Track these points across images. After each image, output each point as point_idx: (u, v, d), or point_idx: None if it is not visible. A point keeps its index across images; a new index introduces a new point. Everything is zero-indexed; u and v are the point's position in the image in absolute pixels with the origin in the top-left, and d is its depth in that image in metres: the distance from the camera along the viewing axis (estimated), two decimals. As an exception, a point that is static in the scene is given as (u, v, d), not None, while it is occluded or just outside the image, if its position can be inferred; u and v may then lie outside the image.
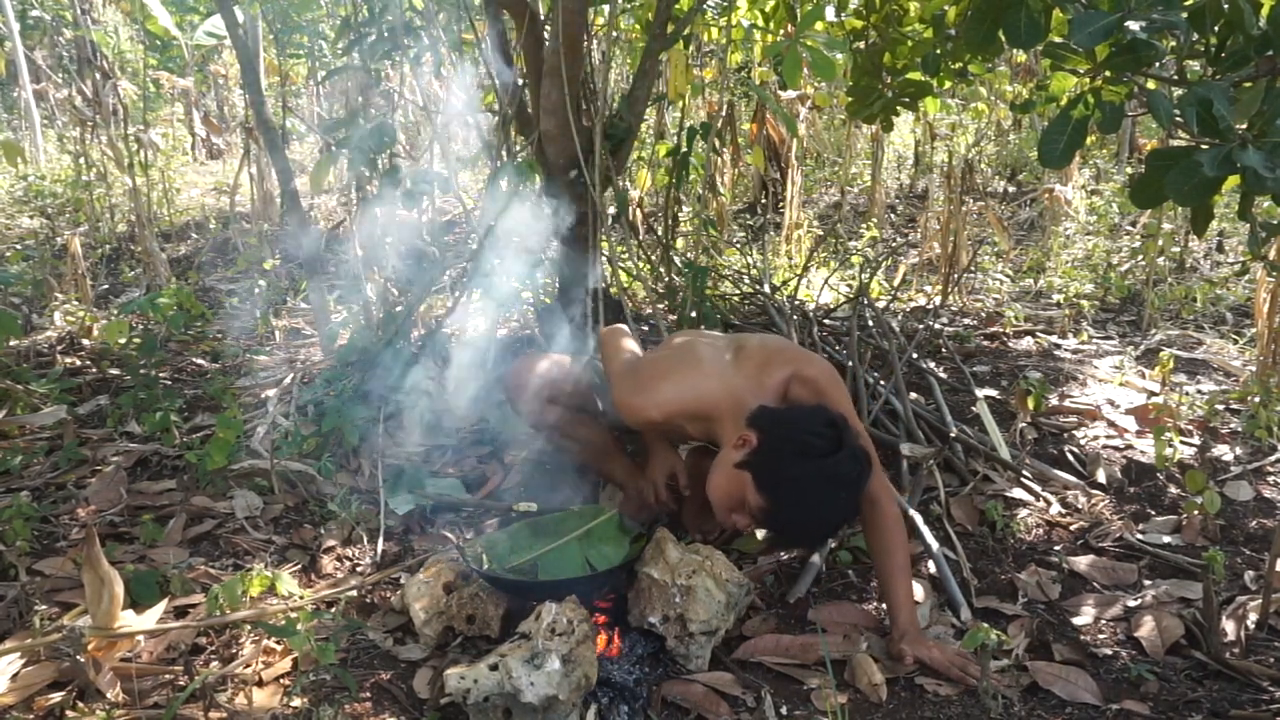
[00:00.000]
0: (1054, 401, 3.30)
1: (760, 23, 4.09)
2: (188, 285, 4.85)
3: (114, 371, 3.59)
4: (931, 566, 2.28)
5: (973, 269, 5.21)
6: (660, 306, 4.05)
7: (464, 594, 2.05)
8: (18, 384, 3.14)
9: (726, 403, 2.04)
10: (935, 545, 2.29)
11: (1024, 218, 6.84)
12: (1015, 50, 3.49)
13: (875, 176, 6.74)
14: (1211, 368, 3.78)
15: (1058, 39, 2.08)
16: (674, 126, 5.26)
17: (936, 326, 4.30)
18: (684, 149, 3.88)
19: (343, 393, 2.97)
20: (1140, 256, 4.91)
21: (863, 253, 5.75)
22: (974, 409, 3.10)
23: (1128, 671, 1.91)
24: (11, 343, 3.58)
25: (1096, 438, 3.04)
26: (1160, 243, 4.45)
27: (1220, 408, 3.16)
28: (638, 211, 4.58)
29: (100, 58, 5.44)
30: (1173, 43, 1.85)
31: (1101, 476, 2.78)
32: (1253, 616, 2.07)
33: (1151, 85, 1.95)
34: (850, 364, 3.28)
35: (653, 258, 4.35)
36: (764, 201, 6.72)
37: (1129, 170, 6.47)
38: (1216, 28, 1.80)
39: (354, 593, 2.18)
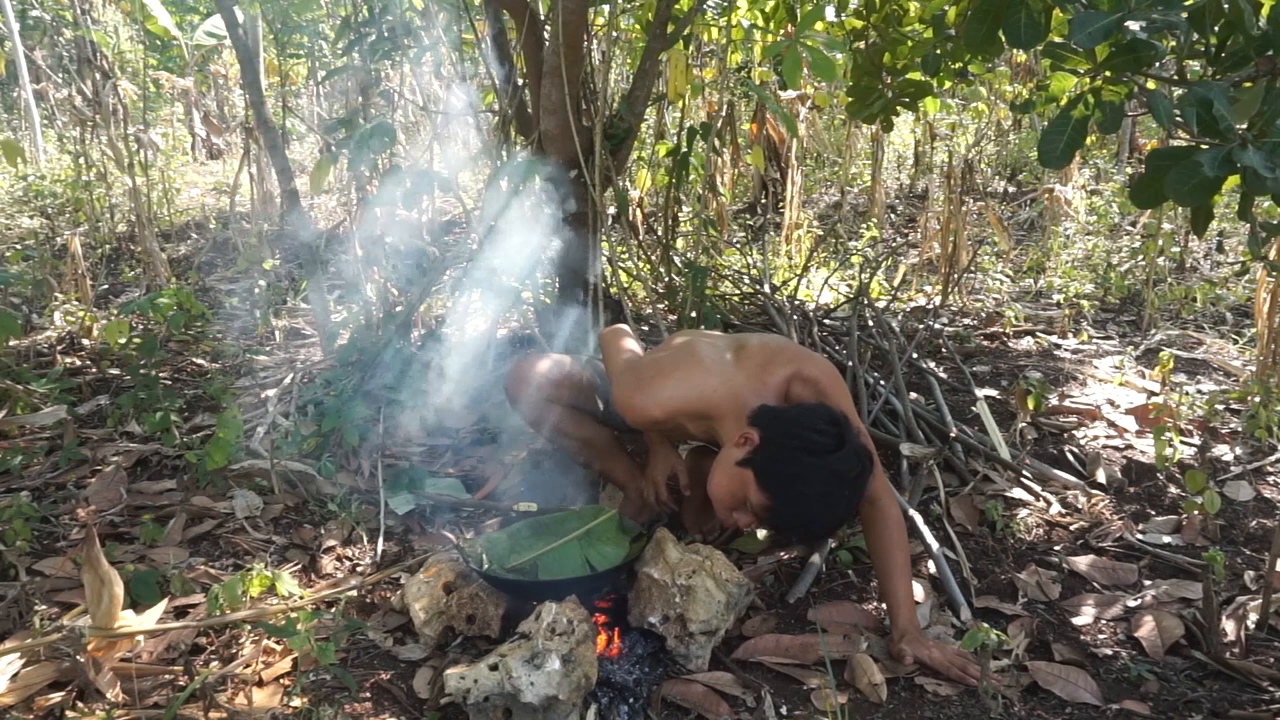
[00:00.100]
0: (1054, 401, 3.30)
1: (760, 23, 4.09)
2: (188, 285, 4.85)
3: (114, 371, 3.59)
4: (931, 566, 2.28)
5: (973, 269, 5.21)
6: (660, 306, 4.05)
7: (464, 594, 2.05)
8: (18, 384, 3.14)
9: (728, 401, 2.04)
10: (935, 545, 2.29)
11: (1024, 218, 6.85)
12: (1015, 50, 3.49)
13: (875, 176, 6.75)
14: (1211, 368, 3.78)
15: (1058, 39, 2.08)
16: (674, 126, 5.26)
17: (936, 326, 4.30)
18: (684, 149, 3.88)
19: (343, 393, 2.97)
20: (1140, 256, 4.92)
21: (863, 253, 5.75)
22: (974, 409, 3.10)
23: (1128, 671, 1.91)
24: (11, 343, 3.58)
25: (1096, 438, 3.04)
26: (1160, 243, 4.46)
27: (1220, 408, 3.16)
28: (638, 211, 4.58)
29: (100, 58, 5.44)
30: (1173, 43, 1.85)
31: (1101, 476, 2.78)
32: (1253, 616, 2.07)
33: (1151, 85, 1.95)
34: (850, 364, 3.28)
35: (653, 258, 4.35)
36: (764, 201, 6.73)
37: (1129, 170, 6.47)
38: (1216, 28, 1.80)
39: (354, 593, 2.18)
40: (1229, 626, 2.04)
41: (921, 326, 4.12)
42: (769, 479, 1.86)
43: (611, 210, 3.38)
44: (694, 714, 1.81)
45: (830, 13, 3.14)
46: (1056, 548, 2.45)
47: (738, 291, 4.47)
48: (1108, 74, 1.83)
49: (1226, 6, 1.72)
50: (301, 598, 2.12)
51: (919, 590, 2.17)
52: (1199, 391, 3.43)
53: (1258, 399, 3.03)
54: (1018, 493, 2.69)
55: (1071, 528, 2.54)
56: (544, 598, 1.83)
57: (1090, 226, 5.51)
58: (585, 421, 2.48)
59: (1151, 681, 1.87)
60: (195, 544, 2.41)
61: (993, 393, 3.45)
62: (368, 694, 1.84)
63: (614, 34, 3.91)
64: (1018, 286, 5.23)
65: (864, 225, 6.23)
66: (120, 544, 2.35)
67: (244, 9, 4.62)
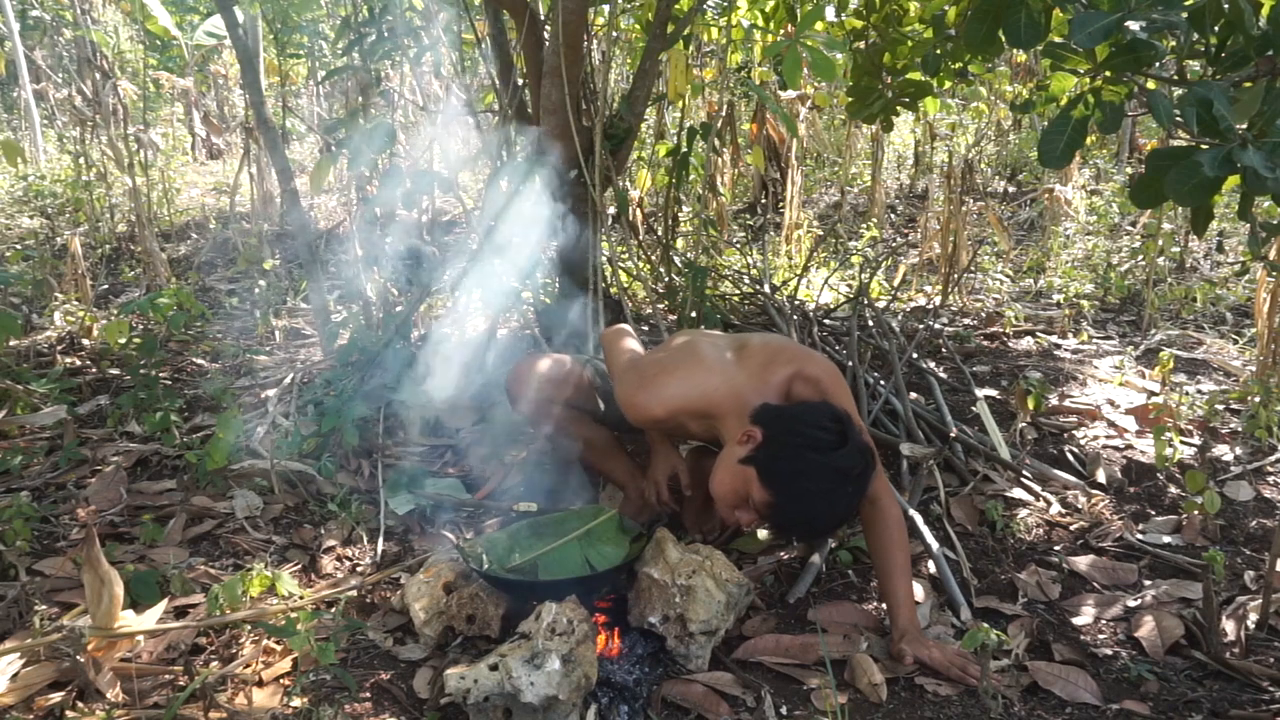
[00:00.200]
0: (1054, 401, 3.30)
1: (760, 23, 4.09)
2: (188, 285, 4.85)
3: (114, 371, 3.59)
4: (931, 566, 2.28)
5: (973, 269, 5.21)
6: (660, 306, 4.05)
7: (464, 594, 2.05)
8: (18, 384, 3.14)
9: (730, 400, 2.04)
10: (935, 545, 2.29)
11: (1024, 218, 6.85)
12: (1015, 50, 3.49)
13: (875, 176, 6.75)
14: (1211, 368, 3.78)
15: (1058, 39, 2.08)
16: (674, 126, 5.26)
17: (936, 326, 4.30)
18: (684, 149, 3.88)
19: (343, 393, 2.97)
20: (1140, 256, 4.92)
21: (863, 253, 5.75)
22: (974, 409, 3.10)
23: (1128, 671, 1.91)
24: (11, 343, 3.58)
25: (1096, 438, 3.04)
26: (1160, 243, 4.46)
27: (1220, 408, 3.16)
28: (638, 211, 4.58)
29: (100, 58, 5.44)
30: (1173, 43, 1.85)
31: (1101, 476, 2.78)
32: (1253, 616, 2.07)
33: (1151, 85, 1.95)
34: (850, 364, 3.28)
35: (653, 258, 4.35)
36: (764, 201, 6.73)
37: (1129, 170, 6.47)
38: (1216, 28, 1.80)
39: (354, 593, 2.18)
40: (1229, 626, 2.04)
41: (921, 326, 4.12)
42: (772, 476, 1.86)
43: (611, 210, 3.38)
44: (694, 714, 1.81)
45: (830, 13, 3.14)
46: (1056, 548, 2.45)
47: (738, 291, 4.47)
48: (1108, 74, 1.83)
49: (1226, 6, 1.72)
50: (301, 598, 2.12)
51: (919, 590, 2.17)
52: (1199, 391, 3.43)
53: (1258, 399, 3.03)
54: (1018, 493, 2.69)
55: (1071, 528, 2.54)
56: (544, 598, 1.83)
57: (1090, 226, 5.51)
58: (585, 421, 2.48)
59: (1151, 681, 1.87)
60: (195, 544, 2.41)
61: (993, 393, 3.45)
62: (368, 694, 1.84)
63: (614, 34, 3.91)
64: (1018, 286, 5.23)
65: (864, 225, 6.23)
66: (120, 544, 2.35)
67: (244, 9, 4.63)
